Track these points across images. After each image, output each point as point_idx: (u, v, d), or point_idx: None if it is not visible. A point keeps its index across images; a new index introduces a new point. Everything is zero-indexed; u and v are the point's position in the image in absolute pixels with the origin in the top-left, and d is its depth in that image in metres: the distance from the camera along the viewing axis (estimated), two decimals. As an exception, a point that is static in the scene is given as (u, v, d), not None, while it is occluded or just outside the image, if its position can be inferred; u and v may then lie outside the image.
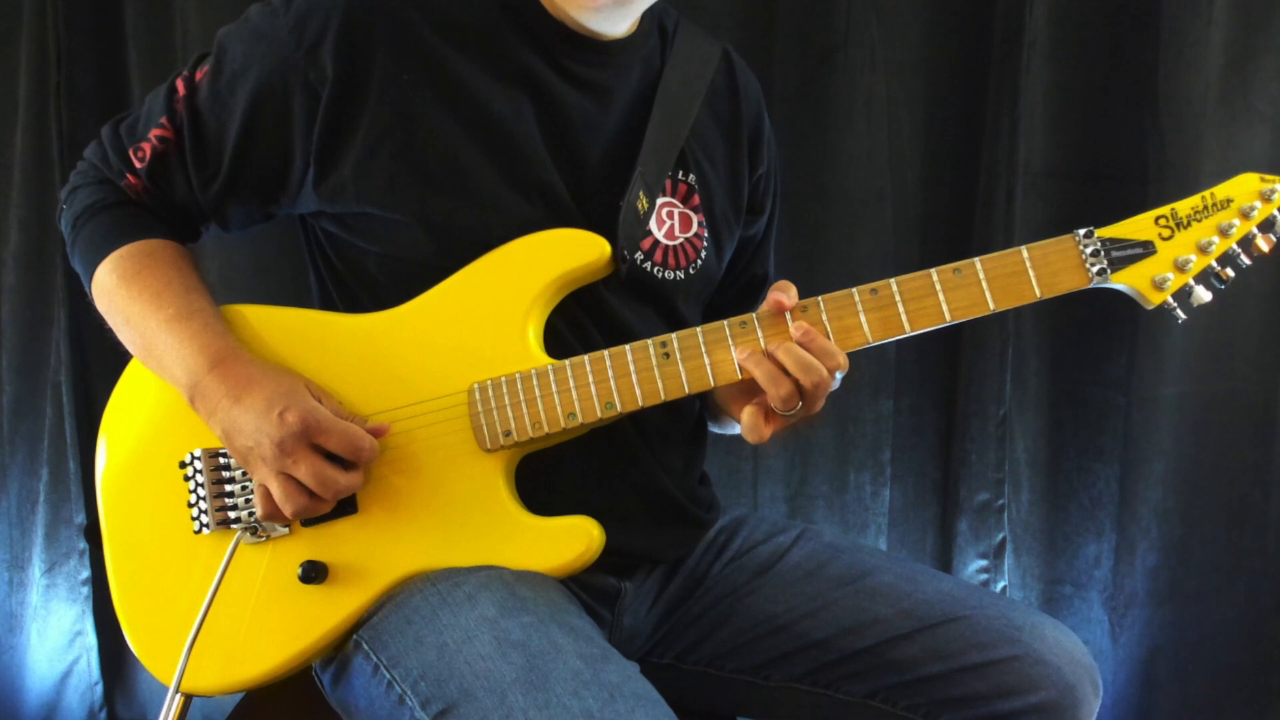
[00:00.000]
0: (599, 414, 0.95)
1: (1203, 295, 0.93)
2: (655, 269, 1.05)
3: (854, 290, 0.93)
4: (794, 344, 0.91)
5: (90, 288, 1.04)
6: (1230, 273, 0.92)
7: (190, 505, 1.00)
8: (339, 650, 0.97)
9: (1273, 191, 0.91)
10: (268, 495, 0.93)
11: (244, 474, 0.99)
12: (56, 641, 1.89)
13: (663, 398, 0.94)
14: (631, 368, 0.95)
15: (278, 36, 0.98)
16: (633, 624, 1.10)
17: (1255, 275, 1.66)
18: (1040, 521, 1.79)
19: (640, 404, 0.95)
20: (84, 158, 1.09)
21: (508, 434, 0.95)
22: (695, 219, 1.09)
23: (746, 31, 1.70)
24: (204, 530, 0.99)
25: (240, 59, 1.00)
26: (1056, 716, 1.01)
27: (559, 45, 1.03)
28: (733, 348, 0.94)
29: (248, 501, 0.98)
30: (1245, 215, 0.91)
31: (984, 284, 0.92)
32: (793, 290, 0.94)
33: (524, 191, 0.99)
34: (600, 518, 0.96)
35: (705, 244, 1.09)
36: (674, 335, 0.94)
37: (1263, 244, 0.92)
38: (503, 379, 0.96)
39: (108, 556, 1.03)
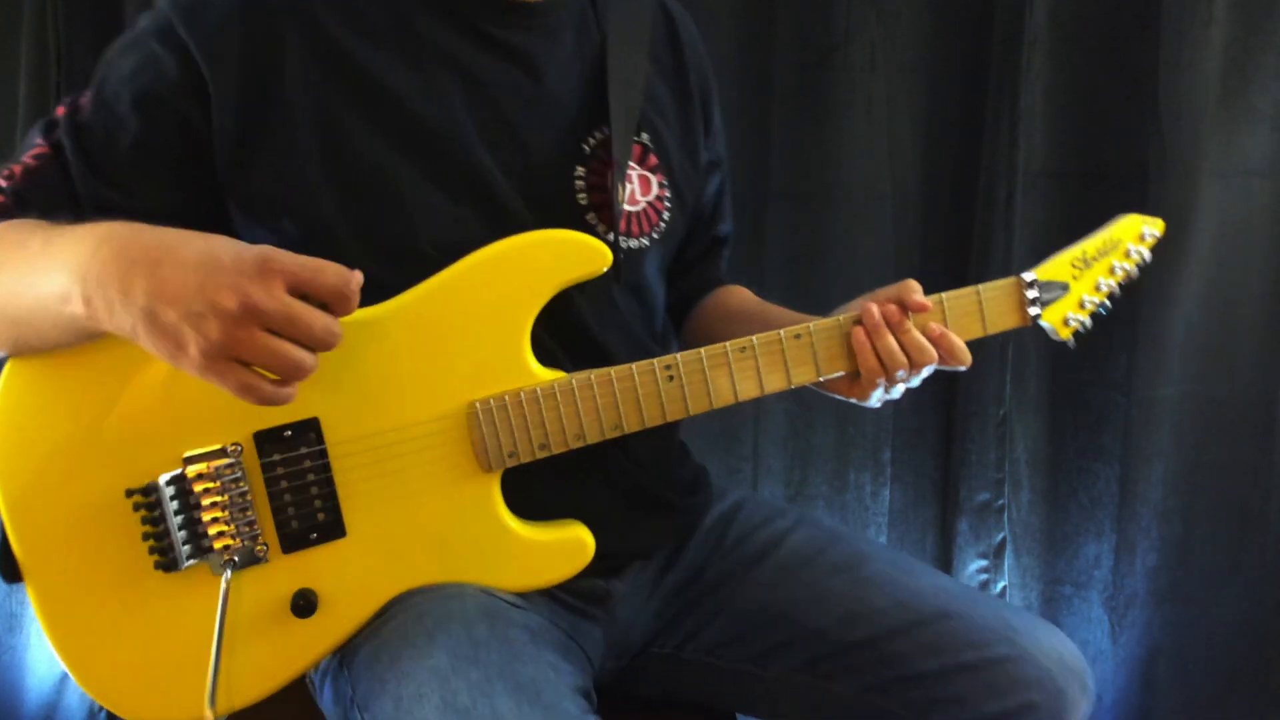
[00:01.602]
0: (604, 434, 0.94)
1: (1086, 323, 1.03)
2: (620, 238, 1.01)
3: (839, 319, 0.97)
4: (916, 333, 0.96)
5: None
6: (1109, 303, 1.03)
7: (146, 539, 0.87)
8: (330, 663, 0.94)
9: (1150, 234, 1.02)
10: (247, 379, 0.74)
11: (216, 500, 0.87)
12: (56, 641, 1.89)
13: (665, 419, 0.95)
14: (638, 391, 0.94)
15: (167, 33, 0.89)
16: (629, 617, 1.09)
17: (1256, 275, 1.67)
18: (1040, 521, 1.79)
19: (644, 425, 0.95)
20: None
21: (512, 455, 0.92)
22: (655, 180, 1.05)
23: (746, 31, 1.70)
24: (172, 569, 0.88)
25: (129, 64, 0.90)
26: (1046, 718, 1.00)
27: (479, 12, 0.96)
28: (759, 363, 0.95)
29: (220, 535, 0.88)
30: (1128, 256, 1.02)
31: (945, 319, 0.98)
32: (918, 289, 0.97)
33: (451, 189, 0.93)
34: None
35: (668, 206, 1.06)
36: (678, 357, 0.94)
37: (1133, 274, 1.04)
38: (505, 398, 0.91)
39: (35, 600, 0.88)
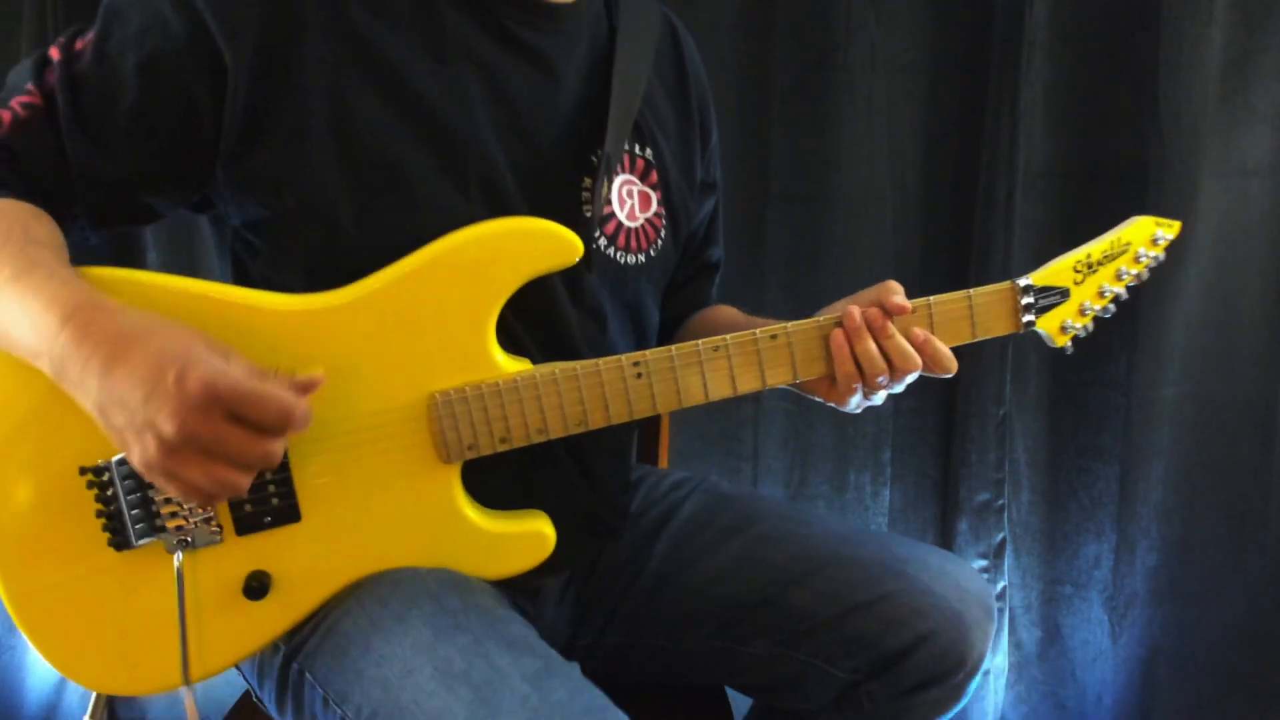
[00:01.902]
0: (568, 430, 0.93)
1: (1089, 328, 0.99)
2: (618, 254, 1.00)
3: (819, 321, 0.95)
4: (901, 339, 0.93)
5: None
6: (1113, 308, 0.99)
7: (100, 516, 0.87)
8: (282, 670, 0.93)
9: (1163, 237, 0.97)
10: (186, 488, 0.75)
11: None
12: (56, 641, 1.89)
13: (631, 417, 0.94)
14: (604, 388, 0.92)
15: (183, 5, 0.85)
16: (553, 613, 1.09)
17: (1256, 275, 1.67)
18: (1040, 521, 1.79)
19: (609, 422, 0.93)
20: None
21: (471, 447, 0.91)
22: (654, 197, 1.04)
23: (746, 31, 1.70)
24: (124, 547, 0.88)
25: (135, 21, 0.86)
26: (949, 643, 1.01)
27: (504, 8, 0.95)
28: (731, 362, 0.93)
29: (174, 515, 0.88)
30: (1138, 260, 0.98)
31: (931, 324, 0.95)
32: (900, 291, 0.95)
33: (462, 185, 0.92)
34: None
35: (664, 224, 1.05)
36: (647, 354, 0.92)
37: (1143, 275, 0.99)
38: (467, 390, 0.90)
39: None
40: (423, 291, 0.89)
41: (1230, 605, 1.74)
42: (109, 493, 0.87)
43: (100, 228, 0.93)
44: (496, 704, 0.78)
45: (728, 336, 0.93)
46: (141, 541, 0.88)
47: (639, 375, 0.93)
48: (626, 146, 1.02)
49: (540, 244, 0.91)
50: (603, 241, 0.99)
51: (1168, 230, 0.98)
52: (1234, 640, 1.75)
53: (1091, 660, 1.81)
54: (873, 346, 0.92)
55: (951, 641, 1.01)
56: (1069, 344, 0.99)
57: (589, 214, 0.97)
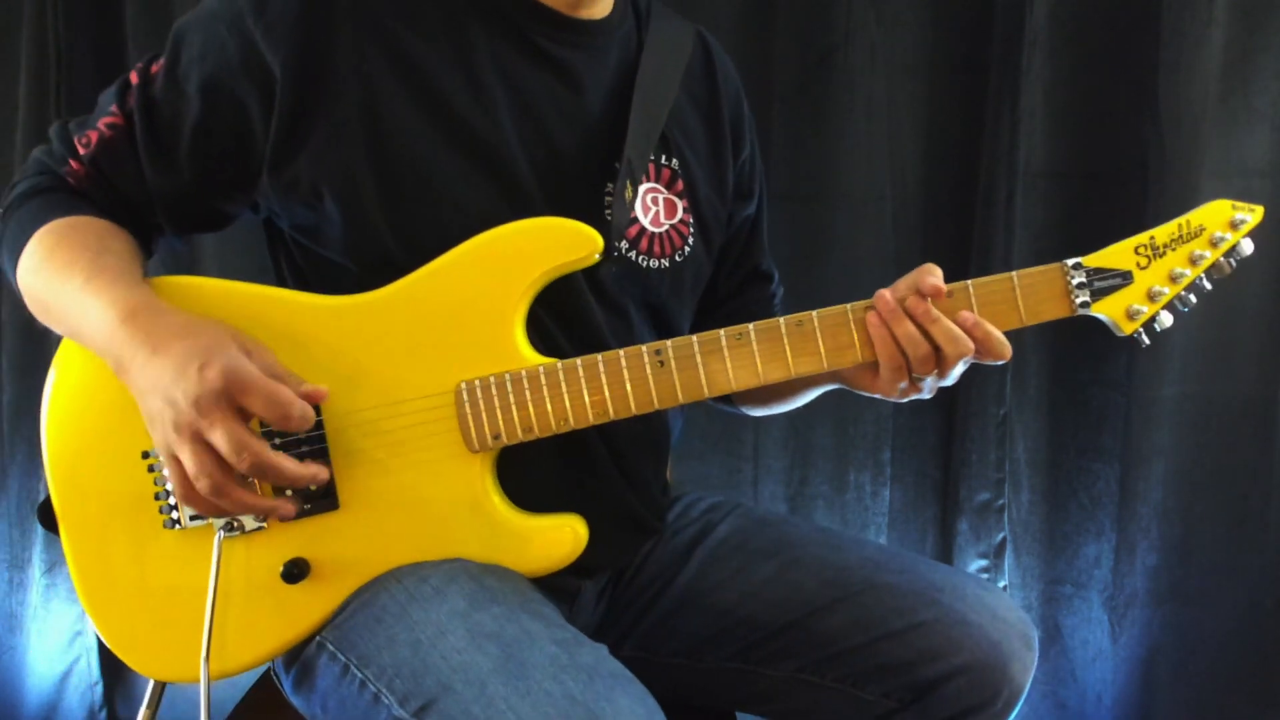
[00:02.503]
0: (591, 420, 0.94)
1: (1166, 320, 0.94)
2: (640, 258, 1.03)
3: (848, 307, 0.93)
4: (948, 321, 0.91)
5: (16, 282, 0.96)
6: (1194, 299, 0.93)
7: (158, 499, 0.95)
8: (301, 651, 0.95)
9: (1242, 220, 0.92)
10: (181, 472, 0.83)
11: None
12: (56, 641, 1.89)
13: (655, 406, 0.94)
14: (625, 375, 0.93)
15: (236, 21, 0.93)
16: (584, 620, 1.10)
17: (1256, 275, 1.67)
18: (1040, 521, 1.79)
19: (633, 411, 0.94)
20: (32, 156, 1.03)
21: (496, 437, 0.93)
22: (680, 205, 1.07)
23: (746, 31, 1.70)
24: (175, 526, 0.95)
25: (198, 45, 0.95)
26: (985, 676, 1.00)
27: (533, 24, 0.99)
28: (755, 350, 0.93)
29: None
30: (1214, 244, 0.92)
31: (974, 308, 0.92)
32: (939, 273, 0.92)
33: (490, 190, 0.96)
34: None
35: (692, 231, 1.07)
36: (669, 343, 0.93)
37: (1225, 268, 0.93)
38: (491, 380, 0.93)
39: (66, 547, 0.98)
40: (451, 288, 0.94)
41: (1230, 605, 1.74)
42: (165, 472, 0.92)
43: (180, 234, 1.03)
44: (524, 660, 0.80)
45: (750, 324, 0.93)
46: (193, 523, 0.94)
47: (660, 364, 0.93)
48: (652, 157, 1.04)
49: (560, 239, 0.94)
50: (624, 245, 1.02)
51: (1247, 213, 0.92)
52: (1234, 640, 1.75)
53: (1091, 660, 1.81)
54: (913, 329, 0.90)
55: (988, 673, 1.00)
56: (1140, 333, 0.94)
57: (609, 217, 1.00)
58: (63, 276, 0.90)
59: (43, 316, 0.95)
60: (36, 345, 1.81)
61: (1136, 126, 1.64)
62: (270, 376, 0.83)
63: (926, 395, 0.96)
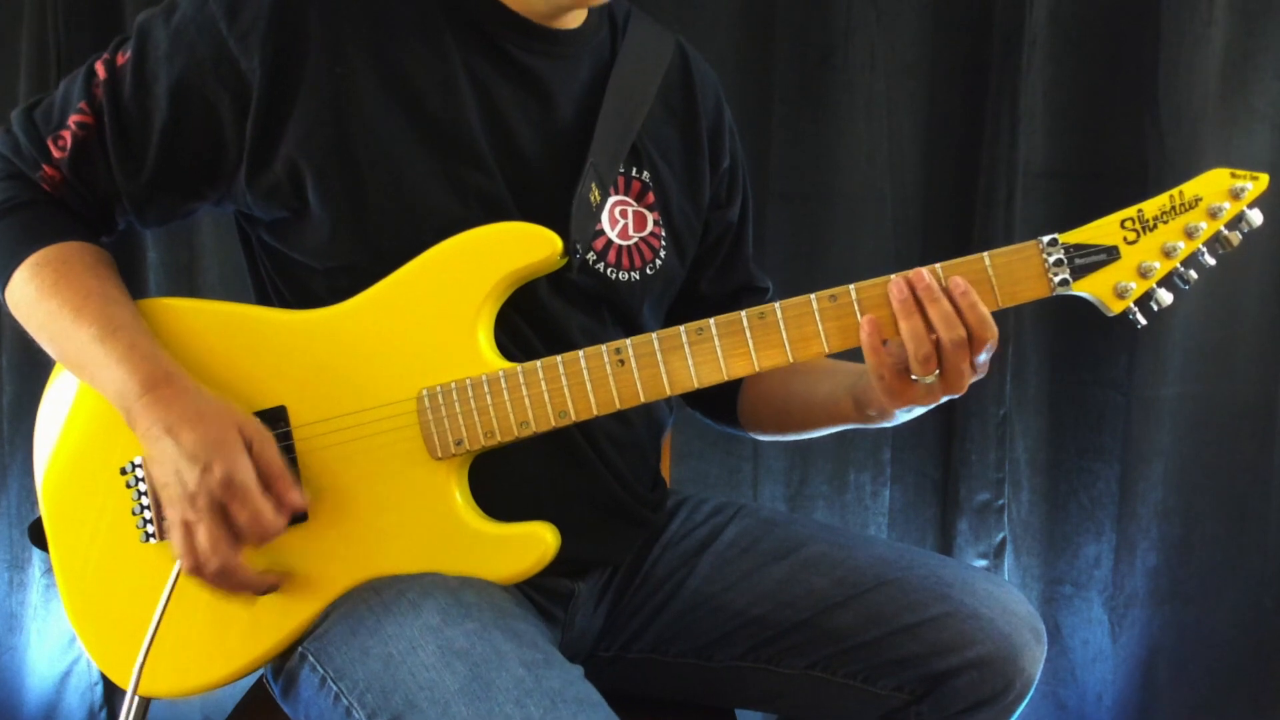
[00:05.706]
0: (552, 422, 0.93)
1: (1165, 298, 0.88)
2: (609, 270, 1.02)
3: (812, 297, 0.92)
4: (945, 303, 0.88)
5: (3, 294, 0.98)
6: (1194, 275, 0.87)
7: (135, 513, 0.96)
8: (286, 660, 0.95)
9: (1243, 189, 0.85)
10: (179, 538, 0.89)
11: None
12: (56, 641, 1.89)
13: (618, 406, 0.92)
14: (585, 375, 0.92)
15: (207, 23, 0.93)
16: (584, 622, 1.09)
17: (1256, 275, 1.67)
18: (1040, 521, 1.79)
19: (595, 412, 0.93)
20: None
21: (459, 443, 0.93)
22: (650, 217, 1.06)
23: (746, 31, 1.70)
24: (151, 540, 0.96)
25: (165, 44, 0.94)
26: (997, 668, 1.01)
27: (504, 32, 0.99)
28: (718, 345, 0.91)
29: None
30: (1213, 215, 0.86)
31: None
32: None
33: (460, 194, 0.96)
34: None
35: (663, 244, 1.06)
36: (628, 341, 0.92)
37: (1231, 239, 0.87)
38: (453, 385, 0.92)
39: (54, 560, 1.00)
40: (415, 295, 0.94)
41: (1230, 605, 1.74)
42: (140, 488, 0.96)
43: (147, 227, 1.05)
44: (489, 681, 0.80)
45: (712, 319, 0.92)
46: (165, 536, 0.93)
47: (621, 363, 0.92)
48: (622, 169, 1.04)
49: (518, 242, 0.94)
50: (592, 257, 1.01)
51: (1248, 181, 0.85)
52: (1234, 640, 1.75)
53: (1091, 660, 1.81)
54: (920, 323, 0.89)
55: (1000, 666, 1.01)
56: (1132, 311, 0.88)
57: (571, 213, 0.98)
58: (71, 322, 0.93)
59: (41, 342, 0.98)
60: (36, 345, 1.81)
61: (1136, 126, 1.64)
62: (268, 472, 0.88)
63: (918, 412, 0.94)
